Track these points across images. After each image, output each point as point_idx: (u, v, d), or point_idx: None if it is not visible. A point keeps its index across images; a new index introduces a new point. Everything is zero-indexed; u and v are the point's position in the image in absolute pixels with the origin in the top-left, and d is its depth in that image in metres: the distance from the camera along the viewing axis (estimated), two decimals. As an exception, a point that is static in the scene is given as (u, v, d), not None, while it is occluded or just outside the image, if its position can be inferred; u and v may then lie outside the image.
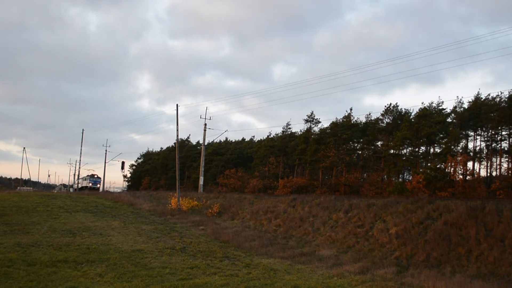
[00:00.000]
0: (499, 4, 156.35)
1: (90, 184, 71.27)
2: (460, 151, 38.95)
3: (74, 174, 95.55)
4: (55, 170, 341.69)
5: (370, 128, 44.60)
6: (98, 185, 72.03)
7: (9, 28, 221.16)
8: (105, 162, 67.38)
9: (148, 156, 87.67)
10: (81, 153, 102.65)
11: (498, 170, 39.05)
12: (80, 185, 78.20)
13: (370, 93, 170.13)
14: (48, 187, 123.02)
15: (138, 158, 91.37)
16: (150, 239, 19.91)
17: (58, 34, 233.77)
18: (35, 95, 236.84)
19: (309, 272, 14.96)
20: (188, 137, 78.48)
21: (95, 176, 75.17)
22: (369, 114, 51.85)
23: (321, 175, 47.55)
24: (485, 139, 41.62)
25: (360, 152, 48.28)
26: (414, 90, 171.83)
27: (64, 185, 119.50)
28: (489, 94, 48.38)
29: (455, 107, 43.64)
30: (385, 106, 49.13)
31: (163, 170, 72.60)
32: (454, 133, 37.88)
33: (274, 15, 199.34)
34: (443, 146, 39.18)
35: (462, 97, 65.95)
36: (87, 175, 77.37)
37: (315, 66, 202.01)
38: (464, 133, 41.32)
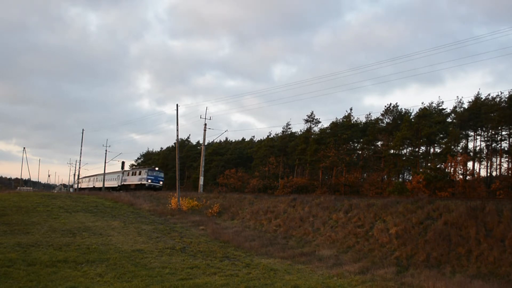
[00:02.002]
0: (499, 4, 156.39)
1: (149, 181, 48.25)
2: (460, 151, 38.96)
3: (74, 174, 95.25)
4: (55, 170, 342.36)
5: (370, 128, 44.65)
6: (161, 183, 50.09)
7: (9, 28, 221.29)
8: (105, 162, 66.92)
9: (148, 156, 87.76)
10: (81, 153, 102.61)
11: (498, 170, 39.09)
12: (119, 182, 55.88)
13: (370, 93, 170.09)
14: (48, 187, 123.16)
15: (138, 158, 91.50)
16: (150, 239, 19.91)
17: (58, 34, 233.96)
18: (35, 95, 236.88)
19: (309, 272, 14.95)
20: (188, 137, 78.63)
21: (156, 169, 51.74)
22: (369, 114, 51.95)
23: (321, 175, 47.56)
24: (485, 139, 41.63)
25: (360, 152, 48.32)
26: (414, 90, 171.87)
27: (64, 185, 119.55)
28: (489, 94, 48.48)
29: (455, 107, 43.70)
30: (385, 106, 49.21)
31: (163, 170, 72.57)
32: (454, 133, 37.90)
33: (274, 15, 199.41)
34: (443, 146, 39.20)
35: (462, 97, 66.01)
36: (138, 167, 53.67)
37: (315, 66, 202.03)
38: (464, 133, 41.36)
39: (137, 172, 51.90)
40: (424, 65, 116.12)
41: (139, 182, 48.65)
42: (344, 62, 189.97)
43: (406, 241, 17.14)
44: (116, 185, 56.79)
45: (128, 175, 54.24)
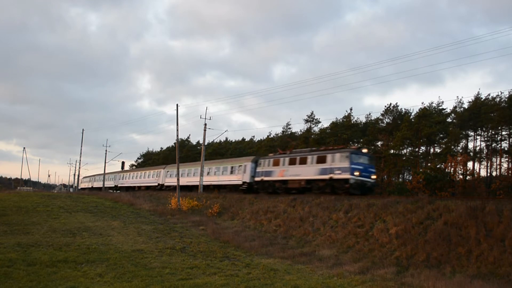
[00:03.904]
0: (499, 4, 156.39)
1: (356, 173, 25.61)
2: (460, 151, 39.00)
3: (74, 174, 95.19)
4: (55, 170, 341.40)
5: (370, 128, 44.68)
6: (374, 178, 27.13)
7: (9, 28, 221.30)
8: (105, 162, 66.88)
9: (148, 156, 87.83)
10: (81, 153, 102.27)
11: (498, 170, 39.12)
12: (243, 178, 34.14)
13: (370, 93, 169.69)
14: (48, 187, 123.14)
15: (138, 158, 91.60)
16: (150, 239, 19.90)
17: (59, 34, 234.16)
18: (35, 95, 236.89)
19: (309, 272, 14.95)
20: (188, 137, 78.68)
21: (364, 151, 27.66)
22: (369, 114, 51.98)
23: (321, 175, 47.41)
24: (485, 139, 41.67)
25: (360, 152, 48.20)
26: (414, 90, 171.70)
27: (64, 185, 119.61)
28: (489, 94, 48.58)
29: (455, 107, 43.75)
30: (385, 106, 49.27)
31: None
32: (454, 133, 37.93)
33: (274, 15, 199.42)
34: (443, 146, 39.24)
35: (462, 97, 65.98)
36: (331, 148, 28.97)
37: (315, 66, 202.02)
38: (464, 133, 41.39)
39: (314, 158, 27.68)
40: (424, 65, 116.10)
41: (345, 177, 25.81)
42: (344, 62, 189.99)
43: (406, 241, 17.13)
44: (240, 182, 34.35)
45: (268, 165, 31.23)
